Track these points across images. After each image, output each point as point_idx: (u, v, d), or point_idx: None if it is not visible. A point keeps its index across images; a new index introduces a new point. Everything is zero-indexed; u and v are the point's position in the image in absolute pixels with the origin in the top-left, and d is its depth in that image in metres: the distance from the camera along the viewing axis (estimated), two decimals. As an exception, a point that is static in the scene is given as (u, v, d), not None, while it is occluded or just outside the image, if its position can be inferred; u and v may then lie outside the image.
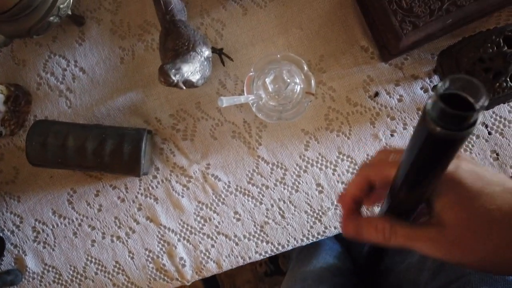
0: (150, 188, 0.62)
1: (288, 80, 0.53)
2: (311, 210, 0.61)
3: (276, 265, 1.20)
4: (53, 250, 0.63)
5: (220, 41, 0.62)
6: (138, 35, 0.62)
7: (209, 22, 0.62)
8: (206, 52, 0.52)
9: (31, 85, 0.63)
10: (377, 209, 0.54)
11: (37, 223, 0.63)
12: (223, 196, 0.62)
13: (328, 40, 0.60)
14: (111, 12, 0.63)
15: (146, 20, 0.62)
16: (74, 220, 0.63)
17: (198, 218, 0.62)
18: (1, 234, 0.63)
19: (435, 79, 0.59)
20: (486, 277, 0.40)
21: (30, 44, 0.63)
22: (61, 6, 0.54)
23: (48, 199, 0.63)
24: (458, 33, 0.57)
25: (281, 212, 0.61)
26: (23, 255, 0.63)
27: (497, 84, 0.46)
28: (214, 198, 0.62)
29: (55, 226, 0.63)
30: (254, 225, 0.61)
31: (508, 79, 0.46)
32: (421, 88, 0.59)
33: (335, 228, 0.60)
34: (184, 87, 0.47)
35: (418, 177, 0.29)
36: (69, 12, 0.57)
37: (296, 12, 0.61)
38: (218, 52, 0.60)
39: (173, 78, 0.45)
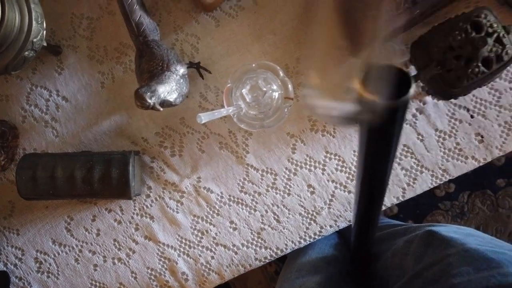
0: (145, 208, 0.63)
1: (265, 89, 0.53)
2: (305, 212, 0.61)
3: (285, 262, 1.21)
4: (57, 278, 0.64)
5: (196, 54, 0.62)
6: (116, 58, 0.63)
7: (184, 37, 0.62)
8: (181, 70, 0.52)
9: (16, 119, 0.64)
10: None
11: (38, 253, 0.64)
12: (217, 207, 0.62)
13: (302, 43, 0.61)
14: (86, 38, 0.63)
15: (122, 42, 0.63)
16: (74, 247, 0.64)
17: (195, 232, 0.63)
18: (4, 269, 0.64)
19: (412, 69, 0.59)
20: (466, 257, 0.41)
21: (11, 79, 0.64)
22: (35, 40, 0.54)
23: (46, 229, 0.64)
24: (430, 21, 0.57)
25: (276, 217, 0.62)
26: (29, 287, 0.64)
27: (470, 70, 0.46)
28: (208, 210, 0.62)
29: (57, 255, 0.64)
30: (251, 233, 0.62)
31: (480, 64, 0.46)
32: (400, 79, 0.59)
33: (330, 227, 0.61)
34: (161, 109, 0.47)
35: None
36: (45, 44, 0.57)
37: (268, 19, 0.61)
38: (195, 66, 0.61)
39: (149, 101, 0.46)
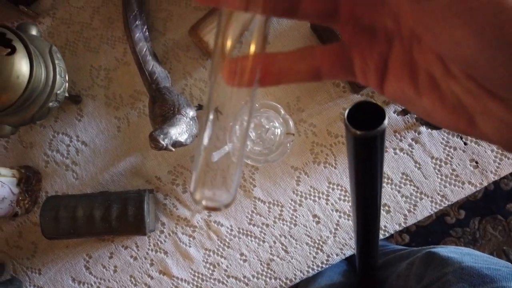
0: (159, 243, 0.66)
1: (267, 126, 0.58)
2: (311, 241, 0.64)
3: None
4: (77, 315, 0.67)
5: (204, 97, 0.67)
6: (131, 104, 0.69)
7: (193, 82, 0.68)
8: (191, 113, 0.57)
9: (39, 164, 0.69)
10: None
11: (59, 292, 0.67)
12: (227, 240, 0.65)
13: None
14: (103, 87, 0.69)
15: (136, 89, 0.69)
16: (93, 284, 0.67)
17: (207, 265, 0.65)
18: (27, 308, 0.67)
19: (405, 101, 0.63)
20: (462, 274, 0.43)
21: (35, 127, 0.70)
22: (58, 92, 0.60)
23: (66, 268, 0.67)
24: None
25: (284, 247, 0.64)
26: (49, 325, 0.67)
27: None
28: (219, 243, 0.65)
29: (76, 292, 0.67)
30: (261, 264, 0.64)
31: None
32: (394, 112, 0.63)
33: (337, 255, 0.63)
34: (173, 149, 0.52)
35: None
36: (66, 94, 0.63)
37: (268, 62, 0.66)
38: (203, 108, 0.66)
39: (162, 143, 0.50)
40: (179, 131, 0.54)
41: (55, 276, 0.67)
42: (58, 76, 0.60)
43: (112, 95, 0.69)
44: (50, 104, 0.60)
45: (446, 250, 0.51)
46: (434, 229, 1.39)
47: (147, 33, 0.66)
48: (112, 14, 0.70)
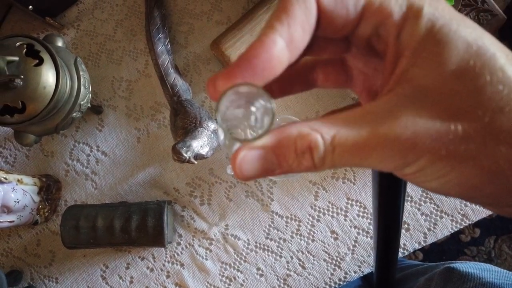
0: (176, 255, 0.66)
1: (288, 141, 0.58)
2: (329, 258, 0.63)
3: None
4: (91, 326, 0.67)
5: (224, 110, 0.68)
6: (151, 116, 0.69)
7: (212, 95, 0.68)
8: (212, 126, 0.57)
9: (59, 173, 0.70)
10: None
11: (74, 301, 0.67)
12: (244, 254, 0.65)
13: (320, 96, 0.66)
14: (125, 98, 0.70)
15: (157, 101, 0.69)
16: (109, 294, 0.67)
17: (224, 279, 0.65)
18: (42, 316, 0.67)
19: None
20: None
21: (56, 137, 0.71)
22: (82, 102, 0.61)
23: (83, 277, 0.67)
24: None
25: (301, 263, 0.64)
26: (64, 334, 0.67)
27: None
28: (236, 257, 0.65)
29: (92, 302, 0.67)
30: (277, 279, 0.64)
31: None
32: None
33: (354, 272, 0.62)
34: (196, 162, 0.52)
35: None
36: (89, 105, 0.64)
37: (288, 76, 0.67)
38: (223, 121, 0.66)
39: (185, 155, 0.50)
40: (201, 144, 0.54)
41: (72, 285, 0.67)
42: (82, 87, 0.61)
43: (133, 106, 0.70)
44: (74, 114, 0.61)
45: (466, 266, 0.50)
46: (449, 247, 1.37)
47: (169, 46, 0.67)
48: (135, 27, 0.72)
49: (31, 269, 0.68)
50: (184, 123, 0.57)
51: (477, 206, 0.61)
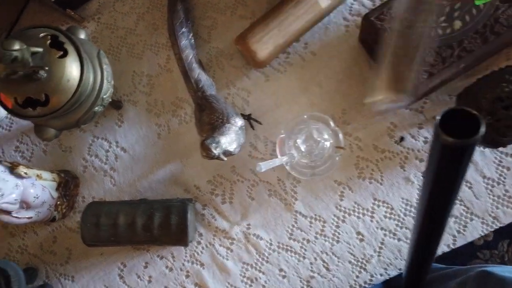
0: (196, 254, 0.64)
1: (319, 139, 0.56)
2: (354, 260, 0.61)
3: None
4: (109, 326, 0.65)
5: (246, 107, 0.66)
6: (172, 111, 0.68)
7: (235, 92, 0.67)
8: (240, 122, 0.56)
9: (77, 168, 0.68)
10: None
11: (91, 300, 0.66)
12: (266, 254, 0.63)
13: (347, 94, 0.64)
14: (145, 93, 0.69)
15: (178, 96, 0.68)
16: (127, 293, 0.65)
17: (245, 279, 0.63)
18: (58, 315, 0.65)
19: (456, 118, 0.61)
20: None
21: (75, 132, 0.69)
22: (104, 96, 0.60)
23: (100, 276, 0.66)
24: (471, 72, 0.60)
25: (325, 264, 0.62)
26: (80, 334, 0.65)
27: (519, 119, 0.48)
28: (258, 257, 0.63)
29: (109, 302, 0.65)
30: (300, 281, 0.62)
31: (529, 114, 0.48)
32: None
33: (381, 275, 0.61)
34: (225, 159, 0.51)
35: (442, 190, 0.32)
36: (109, 99, 0.63)
37: (314, 73, 0.65)
38: (246, 117, 0.65)
39: (215, 152, 0.49)
40: (229, 141, 0.53)
41: (88, 284, 0.66)
42: (105, 81, 0.59)
43: (154, 101, 0.68)
44: (96, 108, 0.59)
45: (503, 270, 0.48)
46: (461, 250, 1.35)
47: (193, 40, 0.66)
48: (157, 21, 0.70)
49: (46, 266, 0.67)
50: (211, 119, 0.55)
51: (508, 208, 0.59)
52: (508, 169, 0.59)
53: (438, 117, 0.28)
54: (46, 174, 0.61)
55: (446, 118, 0.28)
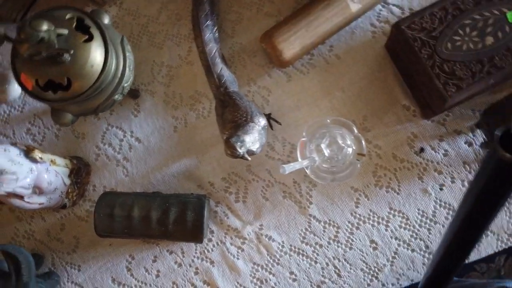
0: (206, 252, 0.64)
1: (343, 145, 0.55)
2: (367, 268, 0.61)
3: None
4: (112, 318, 0.64)
5: (266, 106, 0.65)
6: (190, 105, 0.66)
7: (256, 90, 0.66)
8: (263, 122, 0.55)
9: (90, 156, 0.67)
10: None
11: (96, 291, 0.65)
12: (277, 256, 0.63)
13: (370, 101, 0.64)
14: (164, 84, 0.67)
15: (197, 90, 0.67)
16: (133, 286, 0.64)
17: (255, 280, 0.63)
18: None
19: (478, 133, 0.61)
20: None
21: (89, 118, 0.68)
22: (125, 85, 0.58)
23: (107, 267, 0.64)
24: (498, 89, 0.60)
25: (337, 270, 0.61)
26: (83, 324, 0.64)
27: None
28: (269, 259, 0.63)
29: (114, 294, 0.64)
30: (311, 285, 0.62)
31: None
32: (466, 143, 0.61)
33: (392, 285, 0.60)
34: (249, 158, 0.50)
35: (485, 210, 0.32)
36: (129, 88, 0.61)
37: (338, 77, 0.65)
38: (266, 117, 0.64)
39: (240, 150, 0.48)
40: (252, 140, 0.52)
41: (95, 275, 0.65)
42: (127, 69, 0.58)
43: (172, 93, 0.67)
44: (116, 96, 0.58)
45: None
46: (457, 261, 1.36)
47: (217, 34, 0.64)
48: (181, 11, 0.69)
49: (53, 254, 0.65)
50: (234, 116, 0.54)
51: (524, 228, 0.59)
52: (527, 187, 0.59)
53: (497, 133, 0.28)
54: (59, 160, 0.60)
55: (506, 135, 0.28)
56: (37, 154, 0.54)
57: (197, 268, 0.64)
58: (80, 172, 0.64)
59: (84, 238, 0.65)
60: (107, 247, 0.65)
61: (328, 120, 0.58)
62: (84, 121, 0.68)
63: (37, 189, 0.56)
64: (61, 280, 0.64)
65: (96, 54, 0.52)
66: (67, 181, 0.61)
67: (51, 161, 0.58)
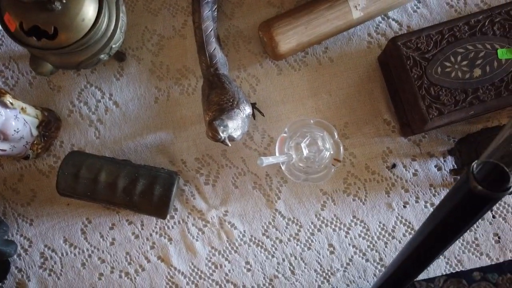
0: (166, 228, 0.63)
1: (322, 148, 0.56)
2: (320, 269, 0.62)
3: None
4: (58, 279, 0.62)
5: (253, 95, 0.65)
6: (176, 79, 0.65)
7: (245, 77, 0.65)
8: (248, 110, 0.55)
9: (62, 111, 0.64)
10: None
11: (46, 249, 0.63)
12: (236, 244, 0.63)
13: (354, 109, 0.64)
14: (152, 53, 0.65)
15: (185, 65, 0.65)
16: (85, 250, 0.62)
17: (209, 264, 0.63)
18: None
19: (449, 160, 0.63)
20: None
21: (68, 72, 0.65)
22: (114, 46, 0.56)
23: (61, 226, 0.63)
24: (474, 120, 0.62)
25: (291, 267, 0.63)
26: (26, 281, 0.62)
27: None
28: (227, 245, 0.63)
29: (64, 255, 0.63)
30: (264, 278, 0.63)
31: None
32: (435, 166, 0.63)
33: (342, 289, 0.62)
34: (230, 144, 0.49)
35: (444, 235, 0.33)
36: (117, 49, 0.59)
37: (327, 79, 0.65)
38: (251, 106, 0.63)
39: (222, 135, 0.47)
40: (235, 126, 0.51)
41: (47, 232, 0.63)
42: (118, 30, 0.56)
43: (160, 63, 0.65)
44: (101, 56, 0.56)
45: None
46: (401, 276, 1.42)
47: (216, 13, 0.63)
48: (183, -18, 0.67)
49: (6, 203, 0.63)
50: (220, 99, 0.54)
51: (473, 255, 0.62)
52: (483, 219, 0.62)
53: (475, 164, 0.29)
54: (30, 109, 0.57)
55: (482, 169, 0.29)
56: (8, 98, 0.51)
57: (154, 243, 0.63)
58: (49, 125, 0.61)
59: (41, 193, 0.63)
60: (65, 206, 0.63)
61: (312, 121, 0.58)
62: (62, 74, 0.65)
63: (2, 135, 0.53)
64: (10, 231, 0.62)
65: (89, 8, 0.50)
66: (35, 132, 0.58)
67: (22, 108, 0.55)
